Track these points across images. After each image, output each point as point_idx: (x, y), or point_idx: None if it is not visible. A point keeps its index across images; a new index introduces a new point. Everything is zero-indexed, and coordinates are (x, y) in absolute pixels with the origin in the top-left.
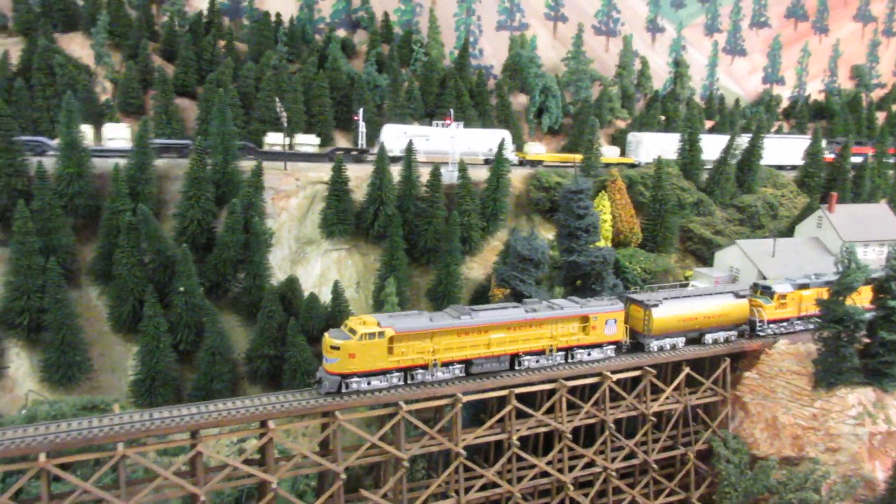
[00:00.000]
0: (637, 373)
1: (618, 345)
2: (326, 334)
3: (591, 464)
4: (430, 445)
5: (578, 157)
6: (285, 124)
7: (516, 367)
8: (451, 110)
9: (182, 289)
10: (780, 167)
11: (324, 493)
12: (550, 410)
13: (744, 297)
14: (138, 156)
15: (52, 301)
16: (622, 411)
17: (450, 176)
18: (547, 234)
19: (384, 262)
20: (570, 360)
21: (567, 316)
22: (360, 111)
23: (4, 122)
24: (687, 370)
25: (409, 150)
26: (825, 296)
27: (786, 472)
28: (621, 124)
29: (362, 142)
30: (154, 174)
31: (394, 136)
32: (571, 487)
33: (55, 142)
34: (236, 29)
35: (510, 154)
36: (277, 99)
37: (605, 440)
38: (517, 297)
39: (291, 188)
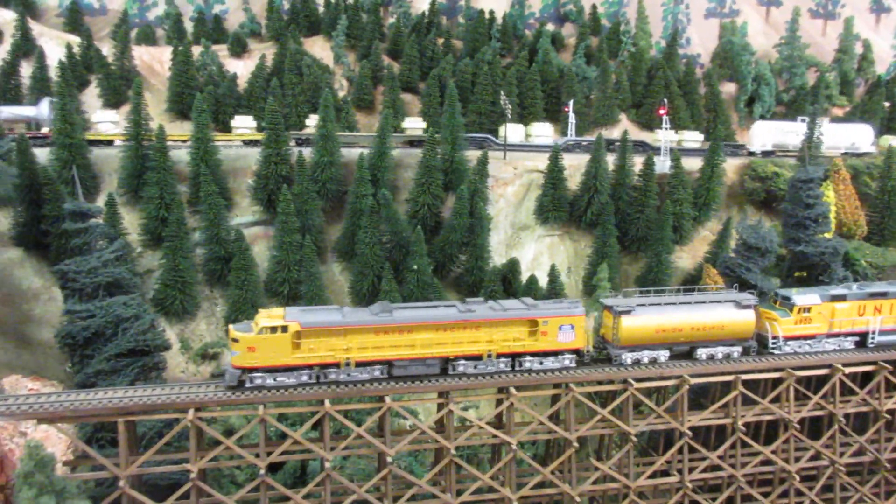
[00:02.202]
0: (871, 367)
1: (578, 354)
2: (230, 326)
3: (816, 456)
4: (655, 424)
5: None
6: (509, 116)
7: (450, 373)
8: (665, 100)
9: (416, 267)
10: None
11: (554, 460)
12: (775, 399)
13: (748, 307)
14: (379, 145)
15: (306, 274)
16: (853, 406)
17: (662, 165)
18: None
19: (596, 249)
20: (516, 369)
21: (510, 319)
22: (570, 103)
23: (275, 117)
24: None
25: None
26: (869, 310)
27: None
28: (839, 112)
29: (572, 132)
30: (392, 162)
31: (765, 132)
32: (797, 478)
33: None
34: (453, 27)
35: (872, 147)
36: (502, 92)
37: (834, 434)
38: (741, 285)
39: (509, 176)
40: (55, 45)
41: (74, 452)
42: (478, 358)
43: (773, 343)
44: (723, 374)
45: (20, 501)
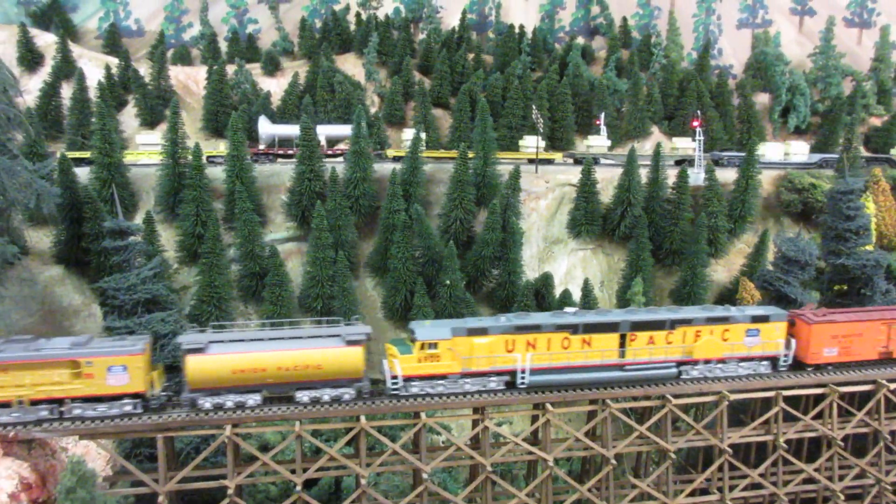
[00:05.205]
0: None
1: (141, 397)
2: None
3: (861, 475)
4: (694, 440)
5: None
6: (540, 130)
7: None
8: (699, 112)
9: (448, 282)
10: None
11: (591, 477)
12: (818, 415)
13: (357, 342)
14: (411, 161)
15: (339, 290)
16: None
17: (696, 177)
18: None
19: (629, 263)
20: (63, 417)
21: (43, 360)
22: (602, 115)
23: (308, 133)
24: None
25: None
26: (520, 345)
27: None
28: (876, 122)
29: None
30: (424, 178)
31: None
32: (842, 497)
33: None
34: (483, 42)
35: None
36: (534, 107)
37: (879, 451)
38: (780, 299)
39: (541, 190)
40: (94, 67)
41: (113, 468)
42: (8, 405)
43: (393, 383)
44: (763, 389)
45: None
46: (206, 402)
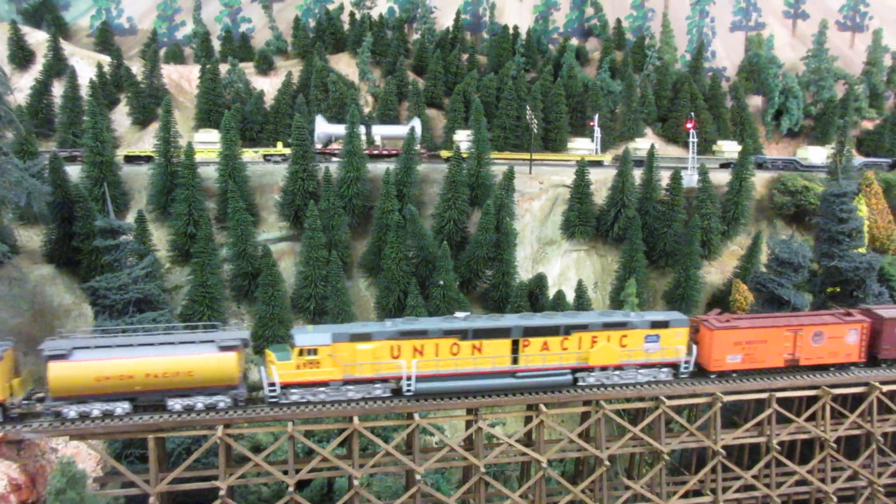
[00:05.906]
0: None
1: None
2: None
3: (854, 476)
4: (687, 442)
5: None
6: (535, 131)
7: None
8: (692, 114)
9: (441, 282)
10: None
11: (585, 479)
12: (811, 417)
13: (231, 348)
14: (405, 161)
15: (332, 290)
16: (891, 425)
17: (689, 179)
18: None
19: (623, 264)
20: None
21: None
22: (596, 117)
23: (301, 133)
24: None
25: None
26: (406, 351)
27: None
28: (868, 125)
29: (597, 147)
30: (418, 178)
31: None
32: (834, 499)
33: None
34: (477, 43)
35: None
36: (528, 107)
37: (872, 454)
38: (773, 301)
39: (535, 191)
40: (86, 65)
41: (104, 469)
42: None
43: (271, 390)
44: (756, 391)
45: None
46: (71, 411)
